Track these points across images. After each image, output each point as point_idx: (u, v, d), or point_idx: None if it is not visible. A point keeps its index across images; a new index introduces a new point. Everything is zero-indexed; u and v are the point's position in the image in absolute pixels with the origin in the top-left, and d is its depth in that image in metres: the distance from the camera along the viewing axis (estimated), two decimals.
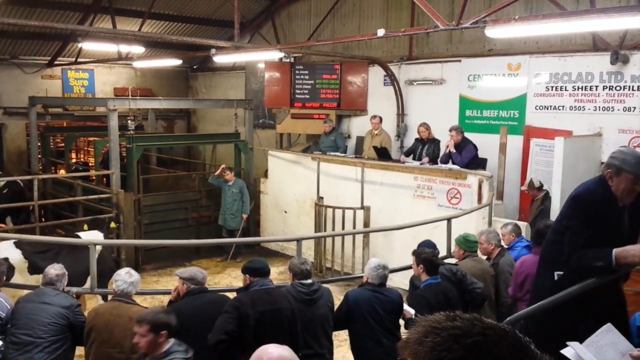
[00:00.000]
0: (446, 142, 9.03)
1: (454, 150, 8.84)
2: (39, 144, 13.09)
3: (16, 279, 6.33)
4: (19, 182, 11.26)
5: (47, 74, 14.02)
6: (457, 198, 8.42)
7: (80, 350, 4.70)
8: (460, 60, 10.24)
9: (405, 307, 4.75)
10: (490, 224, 7.18)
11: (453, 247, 5.99)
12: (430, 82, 10.66)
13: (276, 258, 10.40)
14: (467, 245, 5.60)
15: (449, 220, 6.57)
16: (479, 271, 5.38)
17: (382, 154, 9.80)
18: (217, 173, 10.68)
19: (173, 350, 3.61)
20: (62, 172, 13.58)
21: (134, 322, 4.12)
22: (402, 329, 4.86)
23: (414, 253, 4.98)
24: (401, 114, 11.03)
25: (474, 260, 5.53)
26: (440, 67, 10.55)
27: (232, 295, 4.78)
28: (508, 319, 3.52)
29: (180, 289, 4.53)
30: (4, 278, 4.93)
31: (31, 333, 4.27)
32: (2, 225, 11.34)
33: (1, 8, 10.67)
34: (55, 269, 4.67)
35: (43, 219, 10.74)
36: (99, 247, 6.33)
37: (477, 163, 8.86)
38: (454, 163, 8.78)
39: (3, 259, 5.23)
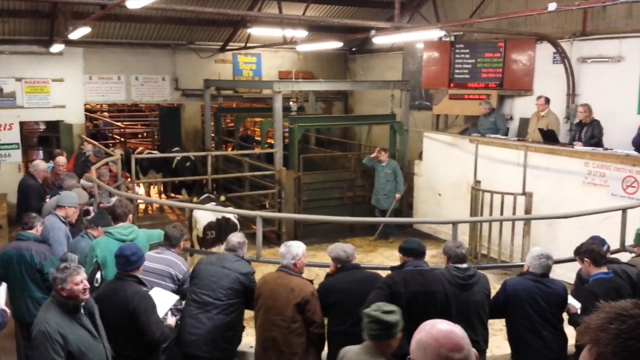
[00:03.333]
0: None
1: None
2: (212, 123, 14.29)
3: None
4: (192, 158, 12.40)
5: (219, 58, 15.16)
6: (635, 187, 7.62)
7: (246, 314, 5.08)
8: None
9: (570, 300, 4.46)
10: None
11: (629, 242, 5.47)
12: (606, 59, 9.68)
13: (428, 241, 10.23)
14: None
15: (624, 210, 6.01)
16: None
17: (549, 137, 9.17)
18: (373, 155, 10.79)
19: None
20: (231, 149, 14.69)
21: (294, 293, 4.38)
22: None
23: (574, 253, 4.68)
24: (572, 95, 10.19)
25: None
26: (618, 43, 9.52)
27: (383, 273, 4.85)
28: None
29: (331, 265, 4.72)
30: (182, 243, 5.33)
31: (212, 294, 4.65)
32: (179, 196, 12.63)
33: None
34: (237, 237, 4.99)
35: (215, 192, 11.72)
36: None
37: None
38: None
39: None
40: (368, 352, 3.19)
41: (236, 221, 7.92)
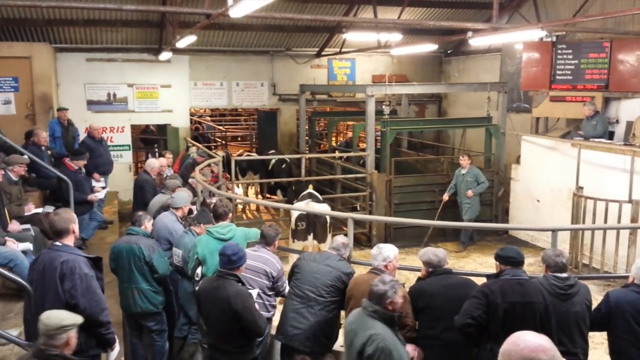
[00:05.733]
0: None
1: None
2: (307, 127, 14.61)
3: None
4: (287, 160, 12.76)
5: (315, 63, 15.50)
6: None
7: None
8: None
9: None
10: None
11: None
12: None
13: (525, 248, 9.95)
14: None
15: None
16: None
17: None
18: None
19: None
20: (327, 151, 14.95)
21: None
22: None
23: None
24: None
25: None
26: None
27: (476, 280, 4.79)
28: None
29: (423, 269, 4.73)
30: (276, 242, 5.49)
31: (314, 290, 4.85)
32: (274, 197, 13.03)
33: (279, 5, 12.10)
34: (343, 238, 5.28)
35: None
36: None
37: None
38: None
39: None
40: None
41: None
